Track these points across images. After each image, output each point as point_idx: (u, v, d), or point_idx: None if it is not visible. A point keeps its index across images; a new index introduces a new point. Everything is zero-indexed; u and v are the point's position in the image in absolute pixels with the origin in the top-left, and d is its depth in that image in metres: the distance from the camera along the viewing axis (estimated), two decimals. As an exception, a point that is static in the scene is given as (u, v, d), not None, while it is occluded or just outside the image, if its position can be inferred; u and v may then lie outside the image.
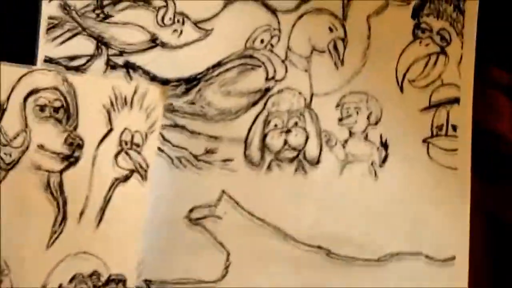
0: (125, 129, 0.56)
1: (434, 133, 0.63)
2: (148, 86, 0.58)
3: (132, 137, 0.56)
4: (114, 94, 0.56)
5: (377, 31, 0.63)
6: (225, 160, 0.61)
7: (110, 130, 0.56)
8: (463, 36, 0.64)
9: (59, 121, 0.55)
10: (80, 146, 0.55)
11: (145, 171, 0.56)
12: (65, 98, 0.56)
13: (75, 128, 0.55)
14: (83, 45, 0.60)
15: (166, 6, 0.62)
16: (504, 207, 0.67)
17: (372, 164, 0.62)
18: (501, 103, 0.67)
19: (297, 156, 0.62)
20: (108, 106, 0.56)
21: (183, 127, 0.61)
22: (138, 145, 0.56)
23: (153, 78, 0.60)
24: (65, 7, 0.61)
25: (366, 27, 0.63)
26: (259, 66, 0.62)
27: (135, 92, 0.57)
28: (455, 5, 0.64)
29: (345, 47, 0.62)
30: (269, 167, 0.61)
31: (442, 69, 0.63)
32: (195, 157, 0.61)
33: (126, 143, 0.56)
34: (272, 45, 0.62)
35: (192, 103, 0.61)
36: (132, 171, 0.56)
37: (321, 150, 0.62)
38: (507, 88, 0.67)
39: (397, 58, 0.63)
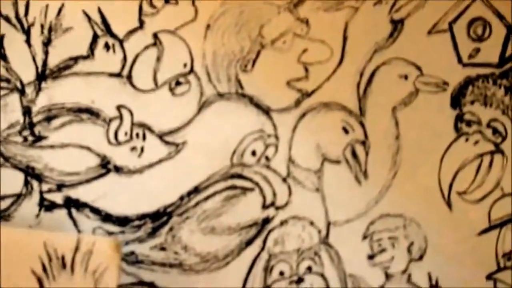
0: (64, 304, 0.42)
1: (501, 264, 0.51)
2: (95, 239, 0.43)
3: (74, 317, 0.41)
4: (46, 254, 0.42)
5: (407, 128, 0.50)
6: (212, 331, 0.49)
7: (42, 306, 0.43)
8: (521, 126, 0.54)
9: (-30, 295, 0.41)
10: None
11: None
12: (-23, 262, 0.41)
13: (-7, 304, 0.43)
14: (6, 182, 0.48)
15: (120, 117, 0.47)
16: None
17: (422, 318, 0.50)
18: None
19: (316, 318, 0.51)
20: (39, 271, 0.44)
21: (151, 285, 0.48)
22: (83, 329, 0.41)
23: (106, 218, 0.49)
24: (-20, 132, 0.47)
25: (393, 123, 0.51)
26: (252, 189, 0.49)
27: (76, 249, 0.42)
28: (506, 87, 0.51)
29: (367, 153, 0.50)
30: (276, 336, 0.49)
31: (500, 173, 0.52)
32: (170, 327, 0.51)
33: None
34: (268, 158, 0.50)
35: (163, 248, 0.49)
36: None
37: (348, 305, 0.52)
38: None
39: (439, 163, 0.51)
